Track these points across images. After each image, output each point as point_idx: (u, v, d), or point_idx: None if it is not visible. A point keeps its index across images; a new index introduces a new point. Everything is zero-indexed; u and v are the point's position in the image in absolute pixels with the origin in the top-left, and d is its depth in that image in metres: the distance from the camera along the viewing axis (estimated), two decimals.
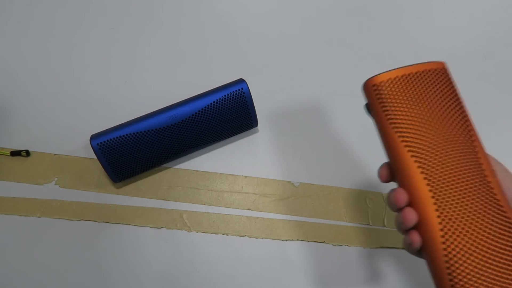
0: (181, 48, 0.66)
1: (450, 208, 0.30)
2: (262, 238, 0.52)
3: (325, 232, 0.52)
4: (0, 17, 0.69)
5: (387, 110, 0.33)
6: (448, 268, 0.29)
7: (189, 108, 0.51)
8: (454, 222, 0.29)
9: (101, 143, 0.49)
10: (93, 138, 0.49)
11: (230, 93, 0.52)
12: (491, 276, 0.28)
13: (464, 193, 0.30)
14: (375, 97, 0.34)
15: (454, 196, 0.30)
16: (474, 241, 0.29)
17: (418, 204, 0.31)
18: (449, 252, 0.29)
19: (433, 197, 0.30)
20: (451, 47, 0.66)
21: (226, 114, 0.52)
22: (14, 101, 0.61)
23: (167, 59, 0.65)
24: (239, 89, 0.52)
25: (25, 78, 0.63)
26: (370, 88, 0.34)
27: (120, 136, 0.49)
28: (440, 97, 0.34)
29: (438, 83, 0.34)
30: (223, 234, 0.52)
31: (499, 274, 0.28)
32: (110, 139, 0.49)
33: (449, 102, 0.34)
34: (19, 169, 0.56)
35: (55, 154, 0.57)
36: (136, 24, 0.68)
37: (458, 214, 0.30)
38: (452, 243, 0.29)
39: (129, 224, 0.52)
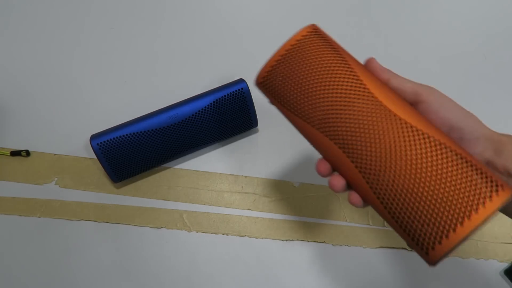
0: (181, 48, 0.66)
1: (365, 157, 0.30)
2: (262, 238, 0.52)
3: (325, 232, 0.52)
4: (0, 17, 0.69)
5: (282, 101, 0.33)
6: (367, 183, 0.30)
7: (189, 108, 0.51)
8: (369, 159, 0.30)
9: (101, 143, 0.49)
10: (93, 138, 0.49)
11: (230, 93, 0.52)
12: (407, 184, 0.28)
13: (374, 135, 0.30)
14: (268, 94, 0.35)
15: (367, 144, 0.30)
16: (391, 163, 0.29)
17: (340, 165, 0.32)
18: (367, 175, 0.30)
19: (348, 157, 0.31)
20: (451, 47, 0.66)
21: (226, 114, 0.52)
22: (14, 101, 0.61)
23: (167, 59, 0.65)
24: (239, 89, 0.52)
25: (25, 78, 0.63)
26: (260, 87, 0.35)
27: (120, 136, 0.49)
28: (321, 62, 0.33)
29: (313, 50, 0.33)
30: (223, 234, 0.52)
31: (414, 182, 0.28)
32: (110, 139, 0.49)
33: (331, 63, 0.33)
34: (19, 169, 0.56)
35: (55, 154, 0.57)
36: (136, 24, 0.68)
37: (372, 155, 0.30)
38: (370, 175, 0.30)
39: (129, 224, 0.52)
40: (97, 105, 0.60)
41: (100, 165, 0.53)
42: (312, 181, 0.55)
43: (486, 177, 0.27)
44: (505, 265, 0.50)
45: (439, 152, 0.28)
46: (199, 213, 0.53)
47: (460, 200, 0.27)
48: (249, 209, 0.53)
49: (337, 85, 0.32)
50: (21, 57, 0.65)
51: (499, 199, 0.26)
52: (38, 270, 0.50)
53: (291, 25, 0.69)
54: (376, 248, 0.51)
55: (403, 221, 0.28)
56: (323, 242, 0.51)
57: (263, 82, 0.35)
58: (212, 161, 0.56)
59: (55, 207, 0.53)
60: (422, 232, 0.27)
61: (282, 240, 0.52)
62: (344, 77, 0.32)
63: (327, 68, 0.32)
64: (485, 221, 0.26)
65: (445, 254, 0.27)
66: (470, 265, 0.50)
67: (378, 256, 0.51)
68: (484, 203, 0.26)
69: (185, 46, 0.66)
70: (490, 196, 0.26)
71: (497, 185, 0.27)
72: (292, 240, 0.52)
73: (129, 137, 0.49)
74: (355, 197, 0.31)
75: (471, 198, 0.26)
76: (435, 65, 0.64)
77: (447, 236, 0.26)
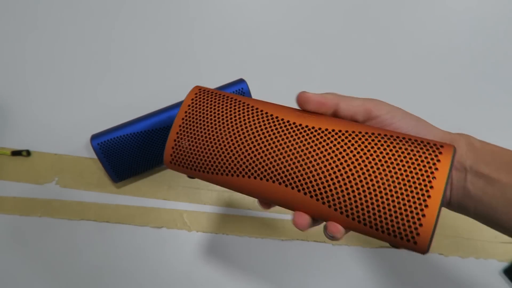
0: (181, 48, 0.66)
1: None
2: (262, 238, 0.52)
3: None
4: (0, 17, 0.69)
5: (202, 167, 0.33)
6: None
7: None
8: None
9: (101, 143, 0.49)
10: (94, 138, 0.49)
11: (230, 93, 0.52)
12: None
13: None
14: (185, 169, 0.33)
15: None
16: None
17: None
18: None
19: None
20: (451, 47, 0.66)
21: None
22: (14, 101, 0.61)
23: (167, 59, 0.65)
24: (239, 89, 0.52)
25: (25, 78, 0.63)
26: (173, 167, 0.34)
27: (120, 136, 0.49)
28: (224, 110, 0.33)
29: (209, 106, 0.33)
30: (223, 234, 0.52)
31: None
32: (111, 139, 0.49)
33: (232, 108, 0.33)
34: (20, 169, 0.56)
35: (55, 154, 0.57)
36: (136, 24, 0.68)
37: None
38: None
39: (129, 224, 0.52)
40: (97, 105, 0.61)
41: (101, 165, 0.53)
42: None
43: (423, 144, 0.28)
44: (504, 264, 0.50)
45: (370, 142, 0.29)
46: (199, 213, 0.53)
47: (414, 176, 0.27)
48: (249, 209, 0.53)
49: (249, 125, 0.32)
50: (21, 57, 0.65)
51: (447, 157, 0.27)
52: (38, 270, 0.50)
53: (292, 26, 0.69)
54: (376, 248, 0.51)
55: (378, 224, 0.27)
56: (323, 242, 0.52)
57: (174, 159, 0.33)
58: None
59: (56, 207, 0.53)
60: (400, 224, 0.27)
61: (282, 240, 0.52)
62: (250, 115, 0.32)
63: (232, 113, 0.32)
64: (446, 184, 0.26)
65: (432, 234, 0.26)
66: (470, 265, 0.50)
67: (378, 256, 0.51)
68: (436, 168, 0.27)
69: (186, 46, 0.66)
70: (438, 159, 0.27)
71: (436, 146, 0.28)
72: (292, 240, 0.52)
73: (129, 137, 0.50)
74: (302, 219, 0.30)
75: (422, 169, 0.27)
76: (435, 65, 0.64)
77: (423, 215, 0.26)
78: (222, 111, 0.33)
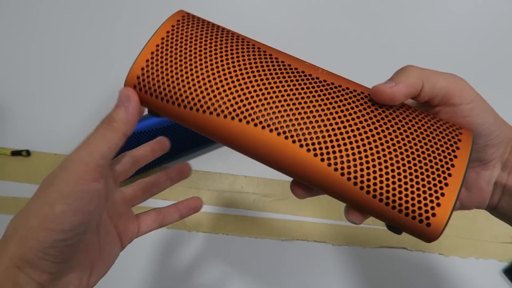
0: None
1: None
2: (262, 238, 0.52)
3: (325, 232, 0.52)
4: (0, 17, 0.69)
5: (172, 98, 0.26)
6: None
7: None
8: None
9: None
10: None
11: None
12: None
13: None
14: (149, 98, 0.28)
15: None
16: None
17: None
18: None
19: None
20: (451, 46, 0.66)
21: None
22: (14, 101, 0.61)
23: None
24: None
25: (25, 78, 0.63)
26: (137, 94, 0.29)
27: None
28: (215, 37, 0.28)
29: (198, 30, 0.28)
30: (223, 234, 0.52)
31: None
32: None
33: (226, 35, 0.28)
34: (20, 169, 0.56)
35: (55, 154, 0.57)
36: (137, 24, 0.68)
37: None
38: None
39: None
40: (97, 105, 0.60)
41: None
42: None
43: (443, 121, 0.26)
44: (504, 264, 0.50)
45: (395, 111, 0.26)
46: (199, 213, 0.53)
47: (436, 152, 0.24)
48: (249, 209, 0.53)
49: (247, 58, 0.26)
50: (21, 57, 0.65)
51: (467, 137, 0.25)
52: None
53: (291, 24, 0.69)
54: (376, 248, 0.51)
55: (389, 197, 0.23)
56: (323, 242, 0.52)
57: (142, 83, 0.27)
58: (212, 161, 0.56)
59: None
60: (415, 200, 0.23)
61: (282, 240, 0.52)
62: (248, 47, 0.27)
63: (225, 41, 0.27)
64: (467, 165, 0.24)
65: (449, 216, 0.23)
66: (470, 265, 0.51)
67: (378, 256, 0.51)
68: (458, 147, 0.24)
69: None
70: (459, 139, 0.25)
71: (456, 127, 0.26)
72: (292, 240, 0.52)
73: (129, 137, 0.49)
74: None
75: (445, 146, 0.24)
76: (435, 65, 0.64)
77: (442, 194, 0.23)
78: (211, 41, 0.27)
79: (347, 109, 0.25)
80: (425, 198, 0.23)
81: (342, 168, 0.24)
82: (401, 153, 0.24)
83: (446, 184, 0.23)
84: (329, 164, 0.24)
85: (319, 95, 0.26)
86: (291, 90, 0.26)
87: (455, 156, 0.24)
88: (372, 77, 0.66)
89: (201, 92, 0.25)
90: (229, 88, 0.25)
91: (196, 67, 0.26)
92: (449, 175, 0.23)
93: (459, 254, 0.51)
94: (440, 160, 0.24)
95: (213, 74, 0.26)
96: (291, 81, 0.26)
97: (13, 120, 0.59)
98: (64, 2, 0.70)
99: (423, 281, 0.50)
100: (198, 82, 0.26)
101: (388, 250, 0.51)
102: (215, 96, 0.25)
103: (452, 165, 0.24)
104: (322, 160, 0.24)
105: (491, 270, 0.50)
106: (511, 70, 0.64)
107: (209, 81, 0.25)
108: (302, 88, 0.26)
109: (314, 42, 0.67)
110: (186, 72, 0.26)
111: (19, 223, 0.24)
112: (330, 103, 0.25)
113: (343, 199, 0.26)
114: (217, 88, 0.25)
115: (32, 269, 0.23)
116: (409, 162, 0.24)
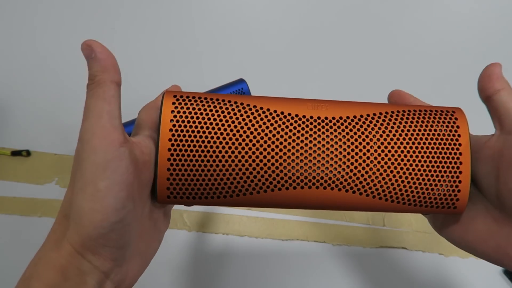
0: (181, 48, 0.66)
1: None
2: (262, 238, 0.52)
3: (325, 232, 0.52)
4: (0, 17, 0.69)
5: (209, 194, 0.26)
6: None
7: None
8: None
9: None
10: None
11: (230, 93, 0.52)
12: None
13: None
14: (187, 200, 0.26)
15: None
16: None
17: None
18: None
19: None
20: (451, 46, 0.66)
21: None
22: (14, 101, 0.61)
23: (167, 59, 0.65)
24: (239, 89, 0.52)
25: (25, 79, 0.63)
26: (169, 201, 0.27)
27: None
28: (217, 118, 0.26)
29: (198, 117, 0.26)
30: (223, 234, 0.52)
31: None
32: None
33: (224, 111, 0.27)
34: (20, 169, 0.56)
35: (55, 154, 0.57)
36: (137, 24, 0.68)
37: None
38: None
39: None
40: None
41: None
42: None
43: (441, 112, 0.29)
44: None
45: (388, 122, 0.27)
46: (199, 213, 0.53)
47: (441, 142, 0.27)
48: (249, 209, 0.53)
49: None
50: (21, 56, 0.65)
51: (463, 118, 0.28)
52: None
53: (292, 25, 0.69)
54: (376, 248, 0.51)
55: (421, 202, 0.27)
56: (323, 242, 0.52)
57: (173, 193, 0.26)
58: None
59: (56, 207, 0.53)
60: (438, 198, 0.27)
61: (282, 240, 0.52)
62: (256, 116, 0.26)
63: (233, 118, 0.26)
64: (470, 146, 0.27)
65: (467, 198, 0.27)
66: (470, 265, 0.50)
67: (378, 256, 0.51)
68: (459, 135, 0.27)
69: (186, 46, 0.66)
70: (458, 125, 0.28)
71: (450, 112, 0.29)
72: (292, 240, 0.52)
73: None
74: None
75: (447, 138, 0.27)
76: (435, 65, 0.64)
77: (460, 181, 0.27)
78: (219, 119, 0.26)
79: (360, 143, 0.27)
80: (447, 190, 0.27)
81: (379, 195, 0.27)
82: (417, 165, 0.27)
83: (461, 172, 0.27)
84: (374, 197, 0.27)
85: (331, 139, 0.27)
86: (310, 142, 0.26)
87: (460, 144, 0.27)
88: (372, 77, 0.66)
89: (232, 179, 0.26)
90: (253, 169, 0.26)
91: (223, 155, 0.25)
92: (460, 163, 0.27)
93: (459, 254, 0.51)
94: (450, 154, 0.27)
95: (240, 154, 0.25)
96: (306, 132, 0.27)
97: (13, 120, 0.59)
98: (64, 2, 0.70)
99: (423, 281, 0.50)
100: (224, 173, 0.25)
101: (388, 250, 0.51)
102: (248, 177, 0.26)
103: (460, 153, 0.27)
104: (360, 194, 0.27)
105: (491, 271, 0.50)
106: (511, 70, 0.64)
107: (243, 165, 0.25)
108: (315, 138, 0.26)
109: (314, 42, 0.67)
110: (217, 165, 0.25)
111: (68, 209, 0.24)
112: (344, 143, 0.27)
113: (385, 211, 0.29)
114: (250, 165, 0.25)
115: (95, 257, 0.23)
116: (422, 167, 0.27)
